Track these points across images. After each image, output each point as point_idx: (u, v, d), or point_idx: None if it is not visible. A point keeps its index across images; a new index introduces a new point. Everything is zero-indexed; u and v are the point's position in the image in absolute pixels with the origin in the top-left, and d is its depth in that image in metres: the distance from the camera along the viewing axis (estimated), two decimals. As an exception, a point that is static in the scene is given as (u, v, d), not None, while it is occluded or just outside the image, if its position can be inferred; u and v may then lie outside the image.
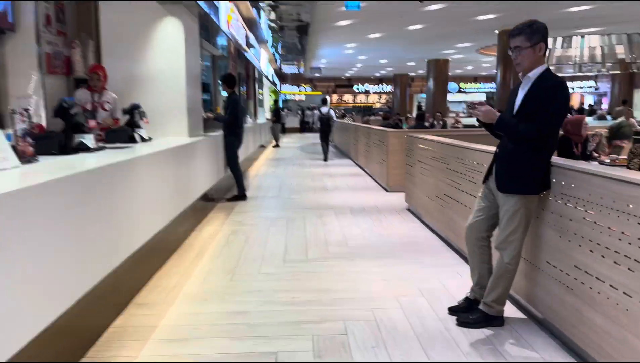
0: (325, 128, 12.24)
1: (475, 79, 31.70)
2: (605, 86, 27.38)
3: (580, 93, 30.21)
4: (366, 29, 13.77)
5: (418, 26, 13.24)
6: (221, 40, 9.64)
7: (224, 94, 8.02)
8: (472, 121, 21.10)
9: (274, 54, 20.84)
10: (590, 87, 27.85)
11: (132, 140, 4.37)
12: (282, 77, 29.53)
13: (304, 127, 29.32)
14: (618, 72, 18.54)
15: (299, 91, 32.25)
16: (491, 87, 31.80)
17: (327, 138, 12.45)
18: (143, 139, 4.52)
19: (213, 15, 6.34)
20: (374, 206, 6.50)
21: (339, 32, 14.13)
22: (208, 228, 5.33)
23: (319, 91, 32.79)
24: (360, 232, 5.09)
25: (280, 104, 28.38)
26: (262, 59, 14.62)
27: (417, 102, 33.18)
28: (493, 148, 2.96)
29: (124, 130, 4.37)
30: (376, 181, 8.72)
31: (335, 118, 12.88)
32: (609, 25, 13.40)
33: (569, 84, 29.54)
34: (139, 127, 4.61)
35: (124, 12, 5.12)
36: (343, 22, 12.66)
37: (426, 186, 5.29)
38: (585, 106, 27.26)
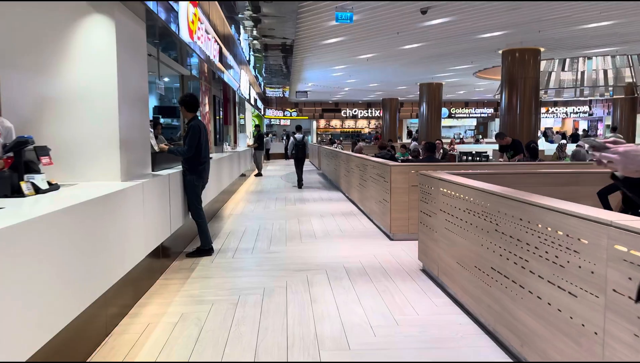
0: (300, 155, 12.31)
1: (466, 104, 30.79)
2: (600, 111, 26.60)
3: (574, 118, 29.45)
4: (357, 48, 12.51)
5: (414, 45, 12.01)
6: (193, 59, 8.22)
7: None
8: (467, 147, 19.93)
9: (256, 77, 19.55)
10: (585, 112, 27.04)
11: (18, 192, 2.84)
12: (267, 101, 28.24)
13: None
14: (622, 96, 17.57)
15: (284, 115, 30.95)
16: (483, 112, 30.93)
17: (302, 165, 12.49)
18: (38, 190, 2.98)
19: (167, 19, 4.88)
20: (377, 266, 4.99)
21: (327, 51, 12.83)
22: (149, 309, 3.75)
23: (305, 115, 31.55)
24: (366, 318, 3.56)
25: (264, 130, 26.99)
26: (243, 81, 13.24)
27: (407, 127, 32.13)
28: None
29: (4, 176, 2.83)
30: (375, 224, 7.24)
31: (308, 144, 13.38)
32: (622, 45, 12.32)
33: (563, 109, 28.76)
34: (35, 171, 3.08)
35: (28, 9, 3.63)
36: (332, 40, 11.37)
37: (456, 248, 3.81)
38: (580, 131, 26.40)
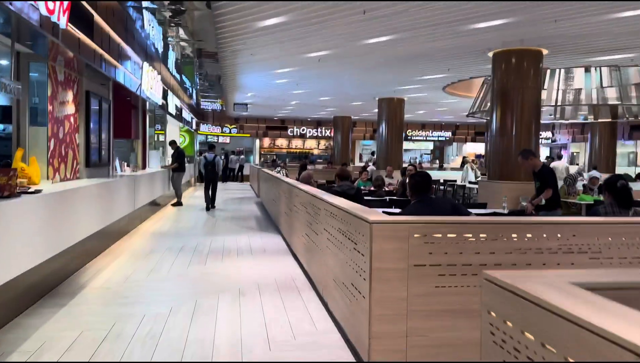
0: (211, 176, 11.87)
1: (423, 126, 28.50)
2: (564, 138, 24.99)
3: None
4: (306, 38, 9.36)
5: (382, 38, 9.02)
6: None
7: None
8: (435, 175, 16.85)
9: (184, 84, 15.96)
10: (547, 138, 25.34)
11: None
12: (202, 115, 24.57)
13: (227, 175, 24.26)
14: (604, 120, 15.52)
15: (222, 132, 27.31)
16: (441, 135, 28.77)
17: (214, 187, 11.99)
18: None
19: None
20: None
21: (266, 41, 9.58)
22: None
23: (247, 133, 28.08)
24: None
25: (197, 146, 23.26)
26: (149, 81, 9.72)
27: (360, 150, 29.41)
28: None
29: None
30: (337, 325, 3.92)
31: (220, 165, 13.12)
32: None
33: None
34: None
35: None
36: (271, 21, 8.13)
37: None
38: (543, 159, 24.54)
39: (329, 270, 4.24)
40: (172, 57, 13.07)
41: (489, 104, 12.16)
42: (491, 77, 9.93)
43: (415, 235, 3.01)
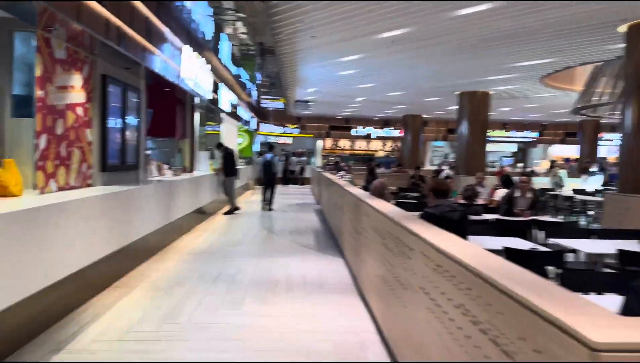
0: (270, 177, 11.86)
1: (504, 125, 25.56)
2: None
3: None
4: (377, 17, 7.52)
5: (476, 9, 6.99)
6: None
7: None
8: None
9: (240, 78, 14.63)
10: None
11: None
12: (262, 114, 23.37)
13: (288, 177, 22.85)
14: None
15: (284, 132, 26.01)
16: (525, 136, 25.59)
17: (273, 187, 11.94)
18: None
19: None
20: None
21: (330, 18, 7.85)
22: None
23: (310, 133, 26.61)
24: None
25: (257, 147, 22.05)
26: (200, 74, 8.34)
27: (431, 152, 26.99)
28: None
29: None
30: None
31: (278, 166, 13.35)
32: None
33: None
34: None
35: None
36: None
37: None
38: None
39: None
40: (226, 45, 11.69)
41: (605, 98, 9.72)
42: (623, 58, 7.56)
43: None
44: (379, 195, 5.58)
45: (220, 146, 10.96)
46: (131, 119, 6.30)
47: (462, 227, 3.60)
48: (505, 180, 7.64)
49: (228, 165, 10.71)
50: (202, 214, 9.74)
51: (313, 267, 6.09)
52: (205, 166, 10.90)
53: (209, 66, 9.43)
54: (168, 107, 9.07)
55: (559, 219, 8.48)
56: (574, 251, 4.65)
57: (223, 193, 11.05)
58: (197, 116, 10.71)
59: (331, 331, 3.87)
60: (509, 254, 3.90)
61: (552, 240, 5.04)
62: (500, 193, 7.40)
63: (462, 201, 7.44)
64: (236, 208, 11.06)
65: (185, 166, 10.13)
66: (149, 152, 8.36)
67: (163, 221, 6.73)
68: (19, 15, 3.97)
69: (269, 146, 13.33)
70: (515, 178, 7.26)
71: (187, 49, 7.57)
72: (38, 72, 4.16)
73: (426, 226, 3.06)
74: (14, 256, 3.13)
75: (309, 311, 4.36)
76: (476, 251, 2.17)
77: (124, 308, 4.28)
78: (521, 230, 5.84)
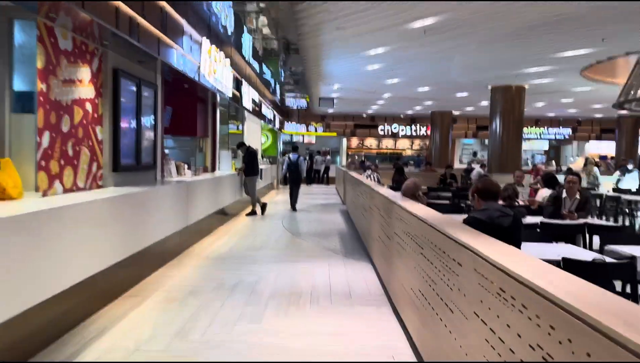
0: (295, 177, 11.88)
1: (537, 122, 24.53)
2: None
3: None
4: (405, 14, 6.99)
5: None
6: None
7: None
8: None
9: (264, 75, 14.27)
10: None
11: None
12: (286, 113, 23.00)
13: (312, 177, 22.43)
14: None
15: (308, 131, 25.59)
16: (558, 133, 24.51)
17: (298, 187, 11.94)
18: None
19: None
20: None
21: (357, 6, 7.36)
22: None
23: (333, 131, 26.13)
24: None
25: (280, 147, 21.70)
26: (221, 70, 7.97)
27: (461, 150, 26.17)
28: None
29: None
30: None
31: (304, 167, 13.35)
32: None
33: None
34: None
35: None
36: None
37: None
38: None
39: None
40: (248, 40, 11.32)
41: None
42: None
43: None
44: (412, 196, 5.09)
45: (242, 145, 10.59)
46: (147, 116, 5.96)
47: (515, 235, 3.08)
48: (549, 179, 7.00)
49: (249, 164, 10.33)
50: (224, 215, 9.40)
51: (340, 273, 5.63)
52: (228, 166, 10.55)
53: (229, 61, 9.06)
54: (188, 104, 8.77)
55: (612, 223, 7.77)
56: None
57: (245, 193, 10.70)
58: (218, 114, 10.38)
59: (360, 352, 3.40)
60: (567, 265, 3.36)
61: (608, 247, 4.45)
62: (544, 193, 6.78)
63: (500, 203, 6.86)
64: (254, 212, 10.64)
65: (207, 166, 9.81)
66: (167, 151, 8.05)
67: (181, 223, 6.38)
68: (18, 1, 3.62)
69: (293, 147, 13.38)
70: (560, 177, 6.63)
71: (207, 43, 7.20)
72: (39, 64, 3.83)
73: (476, 235, 2.56)
74: (8, 266, 2.77)
75: (336, 325, 3.91)
76: (557, 275, 1.67)
77: (133, 321, 3.91)
78: (570, 235, 5.26)
